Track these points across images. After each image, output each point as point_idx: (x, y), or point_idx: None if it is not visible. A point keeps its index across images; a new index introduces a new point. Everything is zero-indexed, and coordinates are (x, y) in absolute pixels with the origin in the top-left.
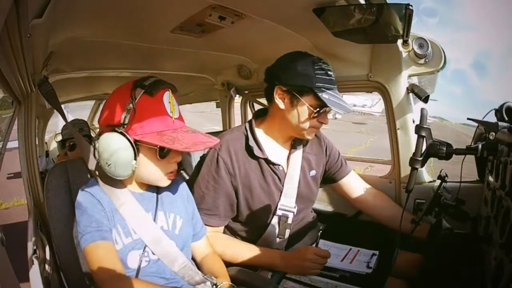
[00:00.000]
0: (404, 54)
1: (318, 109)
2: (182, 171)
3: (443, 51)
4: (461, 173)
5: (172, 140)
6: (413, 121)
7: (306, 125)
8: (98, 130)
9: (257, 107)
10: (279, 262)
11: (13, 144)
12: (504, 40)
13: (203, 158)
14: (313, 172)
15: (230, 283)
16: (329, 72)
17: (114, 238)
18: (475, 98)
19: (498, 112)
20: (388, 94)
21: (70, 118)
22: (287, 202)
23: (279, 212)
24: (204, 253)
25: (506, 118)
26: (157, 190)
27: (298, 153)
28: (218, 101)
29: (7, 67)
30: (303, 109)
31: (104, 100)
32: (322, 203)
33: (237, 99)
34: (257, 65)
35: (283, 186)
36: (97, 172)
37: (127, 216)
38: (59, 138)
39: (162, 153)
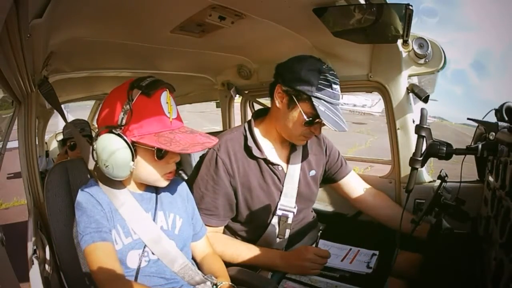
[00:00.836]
0: (404, 54)
1: (311, 118)
2: (181, 171)
3: (443, 51)
4: (461, 173)
5: (170, 141)
6: (413, 121)
7: (297, 131)
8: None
9: (257, 107)
10: (279, 262)
11: (13, 144)
12: (504, 40)
13: (202, 158)
14: (313, 172)
15: (230, 283)
16: (334, 86)
17: (114, 239)
18: (475, 98)
19: (498, 112)
20: (388, 94)
21: (70, 118)
22: (287, 202)
23: (279, 212)
24: (204, 253)
25: (506, 118)
26: (156, 190)
27: (297, 153)
28: (218, 101)
29: (7, 67)
30: (297, 115)
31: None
32: (322, 203)
33: (237, 99)
34: (257, 65)
35: (283, 186)
36: (96, 173)
37: (126, 216)
38: (60, 137)
39: (160, 154)
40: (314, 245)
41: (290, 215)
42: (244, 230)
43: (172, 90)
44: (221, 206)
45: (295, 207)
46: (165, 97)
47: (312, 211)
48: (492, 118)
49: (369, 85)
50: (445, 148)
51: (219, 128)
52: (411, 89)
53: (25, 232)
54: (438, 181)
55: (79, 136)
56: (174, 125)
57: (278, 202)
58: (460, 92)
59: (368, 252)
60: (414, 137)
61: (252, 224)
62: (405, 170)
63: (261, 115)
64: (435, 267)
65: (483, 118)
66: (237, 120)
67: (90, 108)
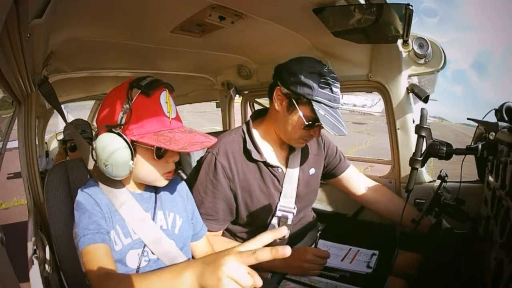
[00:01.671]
0: (404, 54)
1: (310, 122)
2: (180, 171)
3: (443, 51)
4: (461, 173)
5: (169, 140)
6: (413, 121)
7: (296, 134)
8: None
9: (257, 107)
10: (279, 262)
11: (13, 144)
12: (504, 40)
13: (200, 161)
14: (312, 171)
15: None
16: (334, 89)
17: (113, 239)
18: (475, 98)
19: (498, 112)
20: (388, 94)
21: (70, 118)
22: (287, 203)
23: (278, 213)
24: (205, 252)
25: (506, 118)
26: (156, 189)
27: (297, 153)
28: (218, 101)
29: (7, 67)
30: (296, 118)
31: None
32: (322, 203)
33: (237, 99)
34: (257, 65)
35: (282, 187)
36: (95, 173)
37: (126, 216)
38: (60, 137)
39: (159, 153)
40: (313, 245)
41: (290, 216)
42: (243, 232)
43: (171, 90)
44: (221, 211)
45: (294, 208)
46: (164, 97)
47: (311, 211)
48: (492, 118)
49: (369, 85)
50: (445, 148)
51: (219, 128)
52: (411, 89)
53: (25, 232)
54: (438, 181)
55: (79, 138)
56: (174, 125)
57: (277, 203)
58: (460, 92)
59: (368, 252)
60: (414, 137)
61: (251, 226)
62: (405, 170)
63: (259, 116)
64: (435, 267)
65: (483, 118)
66: (237, 120)
67: (90, 108)
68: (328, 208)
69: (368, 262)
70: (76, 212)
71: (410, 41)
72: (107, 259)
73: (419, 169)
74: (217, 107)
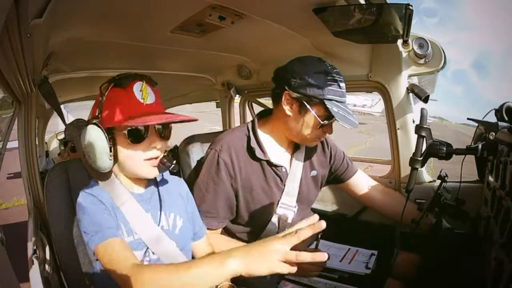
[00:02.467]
0: (404, 54)
1: (325, 120)
2: (165, 160)
3: (443, 51)
4: (461, 173)
5: (135, 119)
6: (413, 121)
7: (312, 134)
8: None
9: (256, 107)
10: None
11: (13, 144)
12: (505, 41)
13: (201, 160)
14: (314, 172)
15: (230, 284)
16: (341, 84)
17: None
18: (475, 99)
19: (498, 112)
20: (388, 94)
21: (70, 118)
22: (288, 201)
23: (279, 211)
24: (205, 252)
25: (506, 118)
26: (157, 190)
27: (300, 153)
28: (218, 101)
29: (7, 67)
30: (310, 119)
31: None
32: (322, 203)
33: (237, 99)
34: (257, 65)
35: (284, 186)
36: (94, 173)
37: (128, 215)
38: (60, 136)
39: (133, 136)
40: (314, 245)
41: (290, 214)
42: (243, 231)
43: (152, 83)
44: (221, 208)
45: (295, 206)
46: (138, 86)
47: (310, 212)
48: (492, 118)
49: (369, 85)
50: (445, 148)
51: (219, 128)
52: (411, 89)
53: (25, 232)
54: (438, 181)
55: (77, 138)
56: (149, 109)
57: (279, 201)
58: (461, 92)
59: (366, 252)
60: (414, 137)
61: (251, 225)
62: (405, 170)
63: (264, 115)
64: (435, 267)
65: (483, 118)
66: (237, 120)
67: (89, 108)
68: (328, 208)
69: (366, 262)
70: (81, 213)
71: (410, 41)
72: (128, 251)
73: (419, 169)
74: (217, 107)
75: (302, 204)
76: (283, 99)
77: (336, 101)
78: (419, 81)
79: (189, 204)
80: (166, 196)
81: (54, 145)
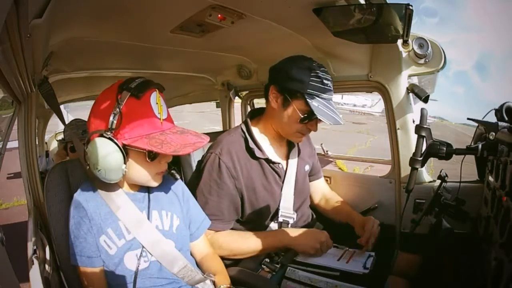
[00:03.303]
0: (404, 54)
1: (306, 115)
2: (173, 171)
3: (443, 51)
4: (461, 173)
5: (161, 143)
6: (413, 121)
7: (293, 128)
8: None
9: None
10: (289, 237)
11: (13, 144)
12: (505, 41)
13: (202, 162)
14: (307, 167)
15: (229, 287)
16: (325, 81)
17: (105, 245)
18: (476, 99)
19: (498, 112)
20: (388, 94)
21: (70, 118)
22: (287, 202)
23: (280, 219)
24: (204, 252)
25: (506, 118)
26: (149, 189)
27: (294, 150)
28: (218, 101)
29: (7, 67)
30: (292, 113)
31: None
32: None
33: (237, 99)
34: (257, 65)
35: (283, 183)
36: (91, 175)
37: (124, 218)
38: (60, 136)
39: (152, 155)
40: None
41: (290, 221)
42: (245, 230)
43: (161, 90)
44: (226, 210)
45: (294, 213)
46: (154, 98)
47: (311, 212)
48: (492, 118)
49: (369, 85)
50: (445, 148)
51: (219, 128)
52: (411, 89)
53: (25, 232)
54: (438, 181)
55: (77, 140)
56: (165, 126)
57: (280, 199)
58: (461, 92)
59: (364, 253)
60: (414, 137)
61: (254, 223)
62: (405, 170)
63: (256, 115)
64: (435, 267)
65: (483, 118)
66: (237, 120)
67: (89, 108)
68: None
69: (364, 262)
70: (69, 228)
71: (410, 41)
72: (96, 282)
73: (419, 169)
74: (217, 107)
75: (301, 199)
76: (269, 92)
77: (319, 97)
78: (419, 81)
79: (185, 203)
80: (162, 196)
81: (54, 145)
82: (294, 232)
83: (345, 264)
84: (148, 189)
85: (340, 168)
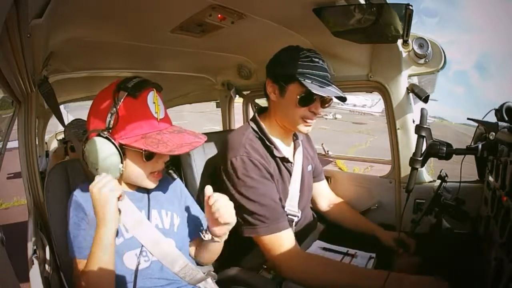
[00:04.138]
0: (404, 54)
1: (303, 95)
2: (171, 171)
3: (443, 51)
4: (461, 173)
5: (157, 143)
6: (413, 121)
7: (296, 114)
8: None
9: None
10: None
11: (13, 144)
12: (505, 42)
13: (226, 171)
14: (310, 167)
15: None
16: (315, 59)
17: None
18: (476, 99)
19: (498, 112)
20: (388, 94)
21: (70, 118)
22: (293, 201)
23: (286, 209)
24: None
25: (506, 118)
26: (148, 189)
27: (300, 148)
28: (218, 101)
29: (7, 67)
30: (291, 98)
31: None
32: None
33: (238, 99)
34: (257, 65)
35: (289, 182)
36: (91, 174)
37: (122, 218)
38: (60, 136)
39: (148, 155)
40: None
41: (295, 219)
42: None
43: (159, 89)
44: (279, 205)
45: (298, 211)
46: (151, 97)
47: (312, 212)
48: (492, 118)
49: (369, 85)
50: (445, 148)
51: (219, 128)
52: (411, 89)
53: (25, 232)
54: (438, 181)
55: (76, 140)
56: (162, 126)
57: (287, 197)
58: (462, 92)
59: (365, 255)
60: (414, 137)
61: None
62: (405, 170)
63: (261, 112)
64: (435, 267)
65: (483, 118)
66: (237, 120)
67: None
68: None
69: (365, 266)
70: (68, 215)
71: (410, 41)
72: None
73: (419, 169)
74: (217, 107)
75: (305, 200)
76: (266, 86)
77: (312, 75)
78: (419, 81)
79: (184, 201)
80: (161, 195)
81: (54, 145)
82: (406, 281)
83: None
84: (147, 189)
85: (340, 168)
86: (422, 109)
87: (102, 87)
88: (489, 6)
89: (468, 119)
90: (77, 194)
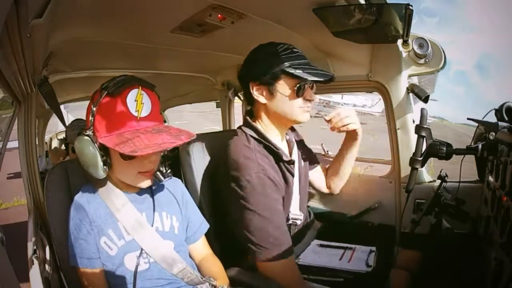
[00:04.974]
0: (404, 54)
1: (297, 85)
2: (157, 172)
3: (443, 51)
4: (461, 173)
5: (125, 142)
6: (413, 121)
7: (294, 107)
8: None
9: None
10: None
11: (13, 144)
12: (505, 42)
13: (240, 189)
14: (303, 163)
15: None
16: (295, 50)
17: (106, 247)
18: (476, 99)
19: (498, 112)
20: (388, 94)
21: (70, 118)
22: (294, 202)
23: (290, 214)
24: (203, 255)
25: (506, 118)
26: (151, 191)
27: (295, 148)
28: (218, 101)
29: (7, 67)
30: (284, 93)
31: None
32: (320, 202)
33: (237, 99)
34: None
35: (293, 184)
36: (90, 176)
37: (124, 220)
38: (61, 136)
39: (124, 155)
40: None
41: (299, 215)
42: None
43: (148, 87)
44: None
45: (301, 214)
46: (134, 95)
47: (309, 211)
48: (492, 119)
49: (369, 85)
50: (445, 148)
51: (219, 127)
52: (411, 89)
53: (25, 232)
54: (438, 181)
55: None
56: (142, 124)
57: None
58: (462, 92)
59: (365, 248)
60: (414, 137)
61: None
62: (405, 170)
63: (250, 116)
64: (436, 267)
65: (483, 118)
66: (237, 120)
67: None
68: (326, 208)
69: (366, 260)
70: (68, 229)
71: (410, 41)
72: (97, 281)
73: (419, 169)
74: (217, 107)
75: (302, 197)
76: (252, 91)
77: (297, 64)
78: (419, 81)
79: (184, 205)
80: (162, 197)
81: (54, 145)
82: None
83: (347, 264)
84: (150, 191)
85: None
86: (422, 109)
87: None
88: (489, 5)
89: (468, 119)
90: (79, 196)
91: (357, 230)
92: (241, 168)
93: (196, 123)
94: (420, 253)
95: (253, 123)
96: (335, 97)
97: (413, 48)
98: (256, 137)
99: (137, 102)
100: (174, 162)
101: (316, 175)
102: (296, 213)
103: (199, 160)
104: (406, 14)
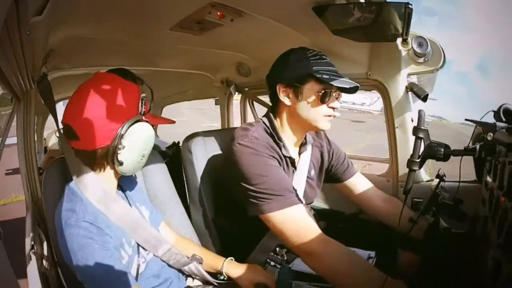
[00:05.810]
0: (404, 53)
1: (323, 91)
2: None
3: (442, 50)
4: (460, 172)
5: None
6: (412, 120)
7: (318, 113)
8: None
9: (256, 105)
10: None
11: (12, 140)
12: (506, 40)
13: (232, 158)
14: (312, 172)
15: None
16: (324, 57)
17: (121, 255)
18: (476, 98)
19: (496, 114)
20: (387, 93)
21: None
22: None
23: None
24: (172, 238)
25: (504, 119)
26: (121, 187)
27: (307, 153)
28: (217, 98)
29: (7, 64)
30: (309, 97)
31: None
32: (321, 201)
33: (236, 97)
34: (256, 63)
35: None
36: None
37: (122, 221)
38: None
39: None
40: None
41: None
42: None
43: (135, 81)
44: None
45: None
46: None
47: (311, 210)
48: (490, 120)
49: (368, 83)
50: (443, 150)
51: (218, 125)
52: (410, 88)
53: (23, 228)
54: (436, 180)
55: None
56: None
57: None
58: (461, 92)
59: (364, 253)
60: (412, 136)
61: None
62: (403, 168)
63: (273, 112)
64: (433, 267)
65: (480, 119)
66: (236, 117)
67: None
68: (327, 206)
69: None
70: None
71: (409, 39)
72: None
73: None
74: (215, 104)
75: (305, 203)
76: (278, 93)
77: (325, 70)
78: (418, 80)
79: (146, 196)
80: (132, 191)
81: (53, 141)
82: None
83: None
84: (119, 187)
85: None
86: (419, 111)
87: None
88: (489, 4)
89: (466, 120)
90: (91, 220)
91: (356, 228)
92: (236, 139)
93: (195, 120)
94: (418, 256)
95: (271, 116)
96: None
97: (412, 47)
98: (268, 125)
99: None
100: (175, 159)
101: (348, 186)
102: None
103: (201, 157)
104: (406, 13)
